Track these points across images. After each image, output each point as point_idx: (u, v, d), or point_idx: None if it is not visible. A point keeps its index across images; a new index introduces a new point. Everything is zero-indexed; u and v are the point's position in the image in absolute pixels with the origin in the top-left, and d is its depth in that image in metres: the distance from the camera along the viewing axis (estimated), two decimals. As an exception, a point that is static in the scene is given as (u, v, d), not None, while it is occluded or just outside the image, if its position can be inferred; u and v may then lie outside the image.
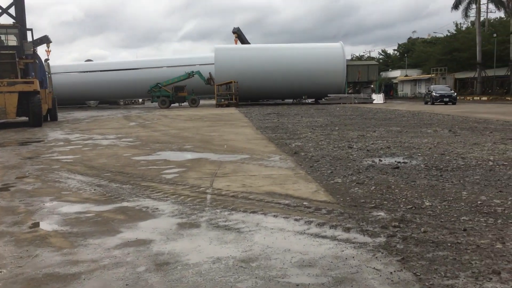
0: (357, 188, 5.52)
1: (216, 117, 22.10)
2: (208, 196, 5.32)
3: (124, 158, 8.72)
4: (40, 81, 23.42)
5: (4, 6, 22.14)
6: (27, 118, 19.16)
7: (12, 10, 21.84)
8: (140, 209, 4.84)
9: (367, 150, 8.92)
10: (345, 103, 38.29)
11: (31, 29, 21.46)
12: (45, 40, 48.79)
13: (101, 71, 51.29)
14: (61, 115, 29.92)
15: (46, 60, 49.15)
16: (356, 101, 39.16)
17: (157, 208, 4.82)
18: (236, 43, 50.56)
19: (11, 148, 11.21)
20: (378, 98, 40.98)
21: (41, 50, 44.88)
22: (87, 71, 52.11)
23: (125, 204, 5.06)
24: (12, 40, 20.60)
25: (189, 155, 8.98)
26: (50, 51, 49.62)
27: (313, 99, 45.30)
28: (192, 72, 41.60)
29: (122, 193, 5.58)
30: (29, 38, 21.70)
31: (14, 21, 21.06)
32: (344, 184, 5.81)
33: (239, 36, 50.72)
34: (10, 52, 19.77)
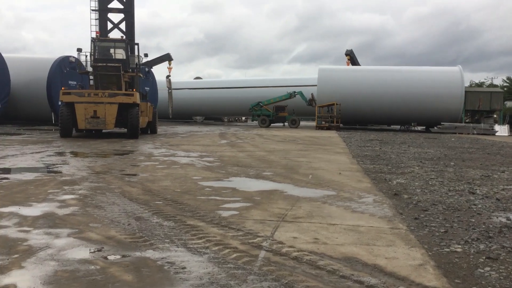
0: (488, 268, 3.58)
1: (312, 140, 20.52)
2: (261, 254, 3.81)
3: (190, 182, 7.60)
4: (143, 94, 24.16)
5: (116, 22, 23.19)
6: (126, 129, 19.51)
7: (122, 25, 22.72)
8: (162, 265, 3.50)
9: (497, 199, 6.67)
10: (462, 133, 34.11)
11: (137, 44, 22.10)
12: (166, 57, 51.92)
13: (206, 88, 52.90)
14: (164, 128, 30.79)
15: (168, 76, 52.17)
16: (475, 132, 34.70)
17: (184, 268, 3.43)
18: (348, 65, 48.77)
19: (90, 159, 10.84)
20: (501, 130, 35.95)
21: (163, 67, 47.78)
22: (194, 88, 54.19)
23: (148, 253, 3.77)
24: (119, 54, 21.34)
25: (263, 185, 7.56)
26: (172, 68, 52.48)
27: (423, 127, 41.39)
28: (294, 92, 40.68)
29: (156, 234, 4.31)
30: (136, 52, 22.37)
31: (123, 36, 21.85)
32: (466, 257, 3.89)
33: (352, 58, 48.90)
34: (116, 65, 20.44)
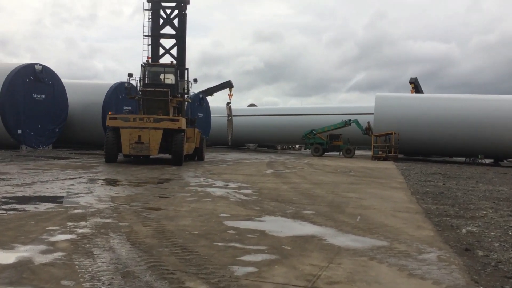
0: None
1: (366, 172, 18.89)
2: None
3: (214, 221, 6.53)
4: (192, 120, 23.75)
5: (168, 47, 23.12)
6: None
7: (174, 51, 22.61)
8: None
9: None
10: (537, 168, 30.75)
11: (187, 69, 21.82)
12: (227, 84, 52.39)
13: (260, 115, 52.46)
14: (213, 155, 30.28)
15: (228, 103, 52.64)
16: (553, 167, 31.18)
17: None
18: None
19: (119, 188, 10.14)
20: None
21: (224, 94, 48.46)
22: (248, 115, 53.91)
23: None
24: (169, 79, 21.13)
25: (299, 228, 6.33)
26: (232, 95, 52.77)
27: (491, 160, 38.00)
28: (350, 120, 39.01)
29: (138, 302, 3.24)
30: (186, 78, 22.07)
31: (173, 61, 21.66)
32: None
33: (416, 86, 46.65)
34: (164, 90, 20.17)
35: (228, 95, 52.81)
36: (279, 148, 63.38)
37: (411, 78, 47.92)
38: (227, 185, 11.75)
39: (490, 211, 8.75)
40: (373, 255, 4.94)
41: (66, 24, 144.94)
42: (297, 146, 64.44)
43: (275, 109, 57.37)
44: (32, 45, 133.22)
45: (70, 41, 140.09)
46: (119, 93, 31.56)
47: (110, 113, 19.74)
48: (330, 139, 39.22)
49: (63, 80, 28.87)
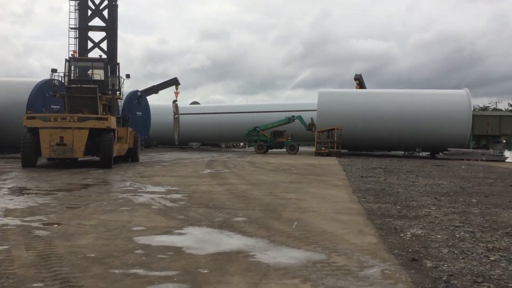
0: None
1: (308, 169, 18.34)
2: None
3: (121, 238, 5.42)
4: (125, 119, 22.17)
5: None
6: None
7: (104, 45, 20.93)
8: None
9: None
10: (469, 160, 31.89)
11: (118, 63, 20.23)
12: (173, 82, 50.35)
13: (202, 113, 51.12)
14: (152, 156, 28.70)
15: (174, 101, 50.49)
16: (484, 158, 32.47)
17: None
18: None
19: (23, 198, 8.70)
20: (512, 156, 33.72)
21: (169, 92, 46.71)
22: (190, 114, 52.32)
23: None
24: (97, 75, 19.45)
25: (224, 241, 5.38)
26: (179, 92, 50.85)
27: (428, 153, 39.21)
28: (293, 116, 38.70)
29: None
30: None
31: (102, 55, 20.02)
32: None
33: (360, 83, 47.23)
34: (92, 86, 18.50)
35: (174, 92, 50.89)
36: (223, 146, 62.32)
37: (356, 75, 48.59)
38: (155, 190, 10.58)
39: (433, 208, 8.26)
40: (307, 275, 4.07)
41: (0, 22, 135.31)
42: (242, 144, 63.75)
43: (219, 107, 56.16)
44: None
45: (3, 38, 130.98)
46: (46, 91, 29.07)
47: (28, 112, 17.81)
48: (273, 136, 38.71)
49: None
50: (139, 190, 10.28)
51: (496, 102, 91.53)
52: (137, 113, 39.93)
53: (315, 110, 38.31)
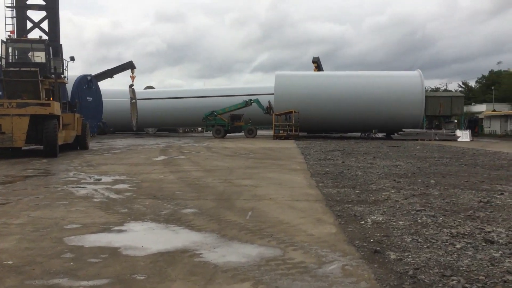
0: None
1: (266, 153, 17.93)
2: None
3: (50, 239, 4.73)
4: (71, 104, 20.87)
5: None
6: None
7: (45, 25, 19.42)
8: None
9: (533, 253, 4.22)
10: (423, 140, 32.67)
11: (61, 45, 18.87)
12: (128, 66, 48.36)
13: (158, 98, 49.59)
14: (104, 143, 27.42)
15: (131, 86, 48.44)
16: (437, 138, 33.35)
17: None
18: None
19: None
20: (463, 136, 34.80)
21: (125, 76, 45.21)
22: (145, 99, 50.64)
23: None
24: (38, 57, 18.06)
25: (169, 238, 4.80)
26: (135, 77, 49.16)
27: (384, 134, 39.91)
28: (250, 100, 38.16)
29: None
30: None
31: (43, 35, 18.56)
32: None
33: (318, 66, 47.03)
34: (33, 69, 17.14)
35: (130, 77, 49.12)
36: (181, 131, 61.03)
37: (314, 58, 48.47)
38: (101, 179, 9.79)
39: (393, 191, 8.01)
40: (260, 276, 3.58)
41: None
42: (200, 129, 62.63)
43: (176, 91, 54.66)
44: None
45: None
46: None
47: (-40, 98, 16.29)
48: (231, 120, 38.08)
49: None
50: (82, 181, 9.47)
51: (446, 84, 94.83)
52: (88, 98, 38.08)
53: (271, 94, 37.96)
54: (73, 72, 38.94)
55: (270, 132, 42.30)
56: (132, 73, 49.45)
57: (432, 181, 9.40)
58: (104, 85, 51.34)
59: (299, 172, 11.13)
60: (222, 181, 9.41)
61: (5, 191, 8.10)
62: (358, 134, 41.32)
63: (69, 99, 33.10)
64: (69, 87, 34.89)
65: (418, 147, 22.96)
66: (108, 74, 48.53)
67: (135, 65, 49.04)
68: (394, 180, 9.58)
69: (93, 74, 47.41)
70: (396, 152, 18.81)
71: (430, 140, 32.86)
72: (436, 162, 14.02)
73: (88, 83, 38.39)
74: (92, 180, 9.61)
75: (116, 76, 48.39)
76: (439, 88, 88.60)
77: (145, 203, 6.86)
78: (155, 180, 9.57)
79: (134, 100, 47.31)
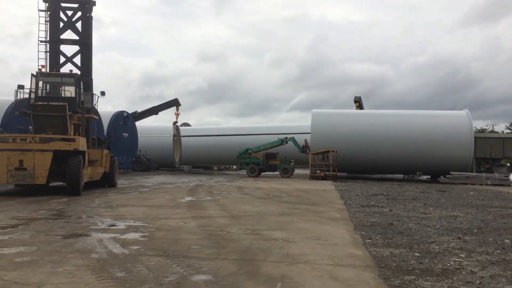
0: None
1: (302, 196, 16.39)
2: None
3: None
4: (101, 140, 20.29)
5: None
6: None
7: (77, 60, 19.16)
8: None
9: None
10: (474, 184, 30.06)
11: (91, 79, 18.43)
12: (174, 103, 48.63)
13: (194, 136, 49.10)
14: (135, 179, 26.70)
15: (175, 123, 48.62)
16: (489, 183, 30.64)
17: None
18: None
19: None
20: (517, 180, 31.87)
21: (170, 113, 45.53)
22: (182, 136, 50.30)
23: None
24: (68, 91, 17.61)
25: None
26: (179, 114, 49.20)
27: (429, 176, 37.37)
28: (286, 138, 36.88)
29: None
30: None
31: (71, 70, 18.18)
32: None
33: (360, 105, 45.60)
34: (61, 104, 16.64)
35: (175, 114, 49.05)
36: (216, 169, 60.20)
37: (356, 97, 47.03)
38: (114, 225, 8.61)
39: (463, 255, 6.32)
40: None
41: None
42: (235, 167, 61.62)
43: (212, 129, 54.34)
44: None
45: (1, 60, 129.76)
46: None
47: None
48: (266, 159, 36.81)
49: None
50: (91, 227, 8.30)
51: (492, 125, 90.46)
52: (123, 134, 38.07)
53: (309, 133, 36.59)
54: (116, 109, 39.40)
55: (307, 172, 40.68)
56: (177, 110, 49.44)
57: (507, 241, 7.61)
58: (148, 122, 51.89)
59: (339, 223, 9.55)
60: (249, 232, 7.98)
61: (-2, 239, 7.01)
62: (401, 176, 38.97)
63: (105, 134, 33.20)
64: (105, 123, 35.10)
65: (471, 193, 20.72)
66: (154, 111, 48.86)
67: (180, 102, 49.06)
68: (459, 238, 7.84)
69: (138, 111, 47.95)
70: (448, 199, 16.80)
71: (481, 184, 30.22)
72: (500, 213, 12.04)
73: (124, 119, 38.50)
74: (102, 226, 8.43)
75: (161, 113, 48.56)
76: (485, 129, 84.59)
77: (150, 263, 5.53)
78: (172, 229, 8.26)
79: (177, 138, 47.22)
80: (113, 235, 7.50)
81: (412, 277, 5.09)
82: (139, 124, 47.50)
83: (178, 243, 6.86)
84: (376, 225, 9.18)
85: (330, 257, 6.04)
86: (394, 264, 5.72)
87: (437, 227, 9.07)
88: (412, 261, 5.89)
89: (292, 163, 38.72)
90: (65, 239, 7.09)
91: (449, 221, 10.13)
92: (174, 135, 47.77)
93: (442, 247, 6.90)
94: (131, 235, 7.51)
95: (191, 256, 5.96)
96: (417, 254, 6.33)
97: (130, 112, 46.95)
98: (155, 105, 49.20)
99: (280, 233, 8.01)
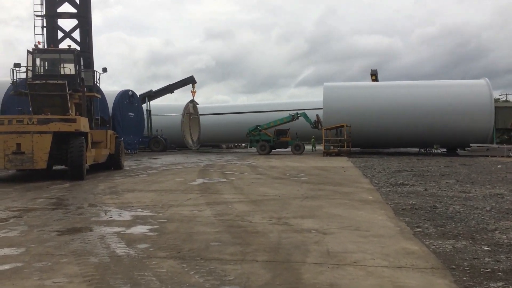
0: None
1: (321, 175, 15.25)
2: None
3: None
4: (104, 120, 19.20)
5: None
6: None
7: (76, 34, 17.88)
8: None
9: None
10: (495, 156, 28.78)
11: (91, 55, 17.18)
12: (190, 80, 47.19)
13: (211, 114, 47.67)
14: (143, 160, 25.71)
15: (192, 101, 47.30)
16: (511, 154, 29.30)
17: None
18: None
19: None
20: (540, 151, 30.44)
21: (186, 91, 44.74)
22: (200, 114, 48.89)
23: None
24: (67, 68, 16.42)
25: None
26: (196, 91, 47.85)
27: (445, 149, 36.06)
28: (297, 114, 35.64)
29: None
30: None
31: (69, 45, 16.91)
32: None
33: (376, 79, 43.93)
34: (60, 82, 15.49)
35: (191, 91, 47.61)
36: (224, 147, 59.13)
37: (372, 70, 45.51)
38: (120, 215, 7.55)
39: (543, 248, 5.16)
40: None
41: (3, 25, 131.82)
42: (243, 144, 60.45)
43: (220, 107, 52.91)
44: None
45: (7, 43, 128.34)
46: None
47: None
48: (277, 135, 35.67)
49: None
50: (92, 219, 7.23)
51: (506, 94, 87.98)
52: (129, 114, 36.95)
53: (320, 109, 35.22)
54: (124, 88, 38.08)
55: (319, 148, 39.50)
56: (193, 88, 48.01)
57: None
58: (164, 101, 50.68)
59: (375, 206, 8.40)
60: (275, 222, 6.87)
61: (-17, 237, 5.95)
62: (415, 149, 37.69)
63: (110, 114, 32.04)
64: (111, 103, 33.88)
65: (499, 166, 19.46)
66: (169, 89, 47.58)
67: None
68: (522, 222, 6.67)
69: (153, 90, 46.69)
70: (478, 173, 15.58)
71: (502, 156, 28.90)
72: (547, 189, 10.82)
73: (130, 98, 37.27)
74: (105, 218, 7.36)
75: (177, 91, 47.33)
76: (498, 99, 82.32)
77: (161, 270, 4.43)
78: (186, 219, 7.17)
79: (194, 116, 46.13)
80: (117, 229, 6.42)
81: (499, 283, 3.95)
82: (153, 103, 46.45)
83: (193, 239, 5.76)
84: (417, 208, 8.02)
85: (382, 255, 4.91)
86: (465, 263, 4.57)
87: (487, 209, 7.89)
88: (486, 259, 4.74)
89: (313, 140, 37.64)
90: (61, 236, 6.02)
91: (496, 200, 8.94)
92: (191, 114, 46.50)
93: (509, 236, 5.75)
94: (138, 229, 6.43)
95: (211, 258, 4.85)
96: (486, 248, 5.18)
97: (145, 91, 45.80)
98: (170, 83, 47.85)
99: (310, 222, 6.88)
